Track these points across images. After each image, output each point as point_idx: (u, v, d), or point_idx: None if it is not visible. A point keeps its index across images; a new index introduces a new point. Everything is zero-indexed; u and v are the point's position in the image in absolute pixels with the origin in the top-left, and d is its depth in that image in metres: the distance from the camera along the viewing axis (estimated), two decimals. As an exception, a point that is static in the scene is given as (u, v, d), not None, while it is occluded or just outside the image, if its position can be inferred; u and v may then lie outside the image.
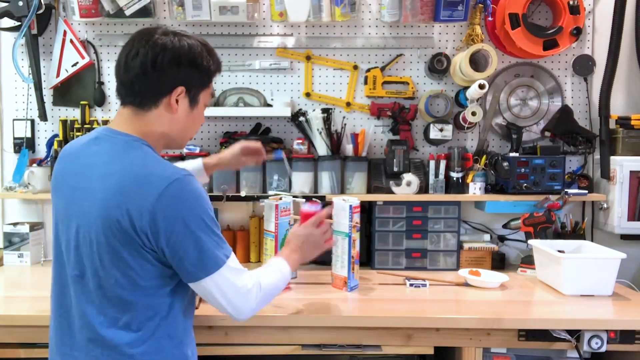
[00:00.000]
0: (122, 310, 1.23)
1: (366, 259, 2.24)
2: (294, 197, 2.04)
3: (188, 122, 1.33)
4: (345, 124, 2.30)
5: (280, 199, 1.91)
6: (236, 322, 1.36)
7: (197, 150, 2.23)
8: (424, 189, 2.25)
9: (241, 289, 1.30)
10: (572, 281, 1.85)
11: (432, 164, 2.24)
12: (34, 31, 2.25)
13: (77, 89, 2.36)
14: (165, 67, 1.25)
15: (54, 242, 1.33)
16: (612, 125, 2.30)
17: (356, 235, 1.90)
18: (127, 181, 1.20)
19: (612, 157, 2.25)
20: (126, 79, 1.27)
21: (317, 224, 1.62)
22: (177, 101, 1.28)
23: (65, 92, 2.36)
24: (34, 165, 2.29)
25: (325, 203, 2.08)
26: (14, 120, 2.36)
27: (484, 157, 2.25)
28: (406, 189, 2.21)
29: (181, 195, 1.20)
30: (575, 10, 2.20)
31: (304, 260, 1.58)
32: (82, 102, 2.33)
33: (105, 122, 2.32)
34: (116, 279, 1.21)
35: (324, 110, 2.26)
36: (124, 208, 1.18)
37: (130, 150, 1.25)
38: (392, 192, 2.21)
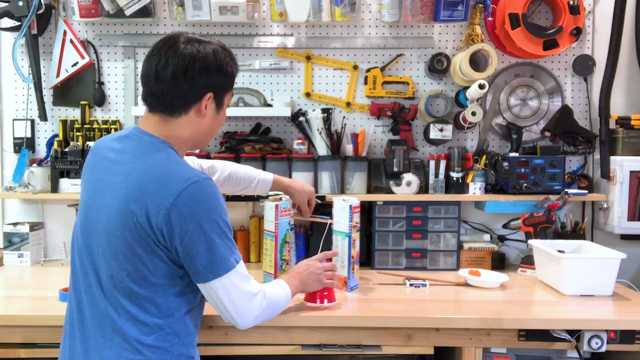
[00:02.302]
0: (132, 303, 1.26)
1: (366, 259, 2.24)
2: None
3: (214, 124, 1.40)
4: (345, 124, 2.30)
5: (280, 199, 1.91)
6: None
7: (197, 150, 2.22)
8: (424, 189, 2.25)
9: (247, 293, 1.34)
10: (572, 281, 1.85)
11: (432, 164, 2.24)
12: (34, 31, 2.25)
13: (77, 89, 2.36)
14: (195, 76, 1.30)
15: (74, 230, 1.38)
16: (612, 125, 2.30)
17: (356, 235, 1.90)
18: (148, 179, 1.24)
19: (612, 157, 2.25)
20: (157, 89, 1.31)
21: (320, 259, 1.71)
22: (205, 106, 1.33)
23: (65, 92, 2.36)
24: (34, 165, 2.29)
25: (325, 203, 2.08)
26: (14, 120, 2.36)
27: (484, 157, 2.25)
28: (406, 189, 2.21)
29: (198, 197, 1.24)
30: (575, 10, 2.20)
31: (302, 288, 1.62)
32: (82, 102, 2.33)
33: (105, 122, 2.33)
34: (128, 272, 1.25)
35: (324, 110, 2.26)
36: (144, 204, 1.22)
37: (154, 151, 1.30)
38: (392, 192, 2.21)
